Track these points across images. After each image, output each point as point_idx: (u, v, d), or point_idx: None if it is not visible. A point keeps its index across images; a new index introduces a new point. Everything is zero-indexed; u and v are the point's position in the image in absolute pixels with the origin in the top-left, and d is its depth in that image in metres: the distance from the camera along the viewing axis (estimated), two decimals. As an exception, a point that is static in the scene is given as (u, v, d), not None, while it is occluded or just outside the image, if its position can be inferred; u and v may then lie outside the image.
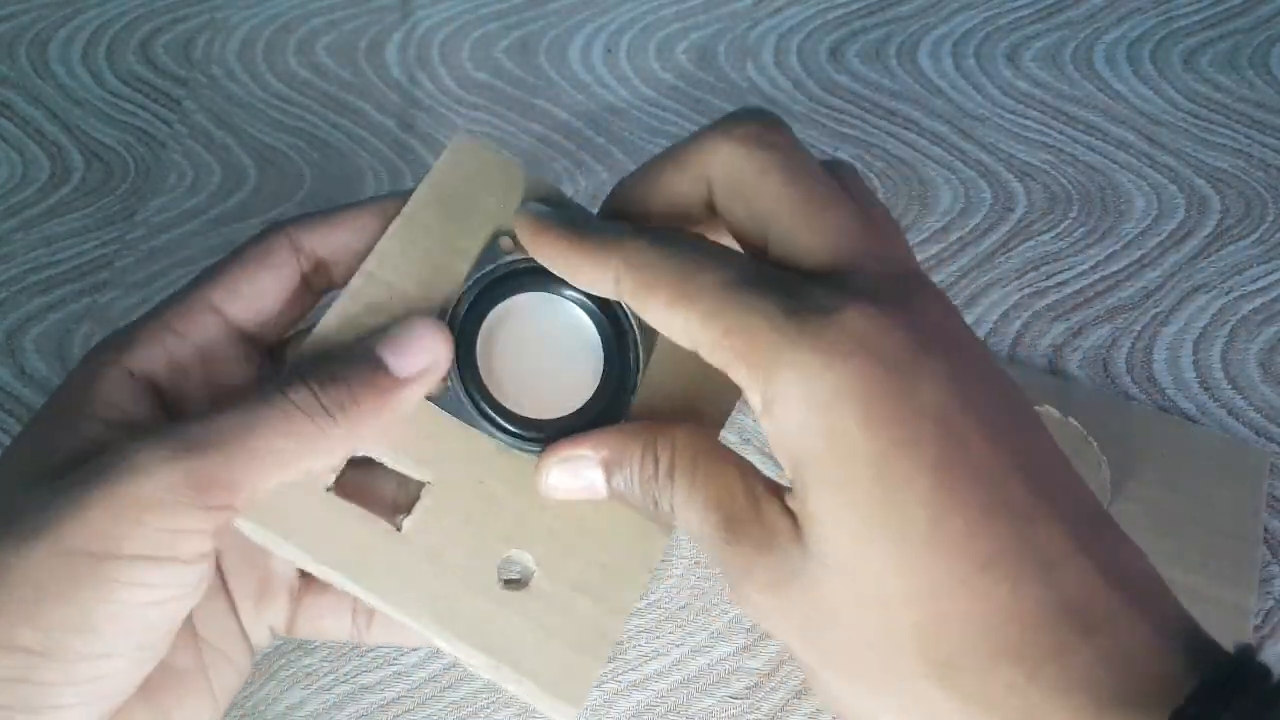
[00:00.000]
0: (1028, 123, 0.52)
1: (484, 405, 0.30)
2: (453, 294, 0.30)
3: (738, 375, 0.24)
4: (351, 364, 0.27)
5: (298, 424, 0.25)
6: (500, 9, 0.57)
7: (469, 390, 0.30)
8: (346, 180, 0.51)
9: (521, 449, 0.29)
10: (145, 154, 0.51)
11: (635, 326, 0.30)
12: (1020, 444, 0.23)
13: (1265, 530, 0.40)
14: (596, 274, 0.26)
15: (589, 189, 0.50)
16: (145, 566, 0.23)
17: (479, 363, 0.30)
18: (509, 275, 0.31)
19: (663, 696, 0.37)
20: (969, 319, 0.46)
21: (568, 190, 0.50)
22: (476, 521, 0.29)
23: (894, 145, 0.52)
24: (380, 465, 0.29)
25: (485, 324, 0.30)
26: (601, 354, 0.30)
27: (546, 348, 0.31)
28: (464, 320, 0.30)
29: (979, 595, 0.22)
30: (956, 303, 0.46)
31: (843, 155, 0.51)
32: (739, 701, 0.37)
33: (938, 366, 0.23)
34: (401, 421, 0.28)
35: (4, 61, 0.55)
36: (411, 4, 0.57)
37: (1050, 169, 0.51)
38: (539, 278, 0.30)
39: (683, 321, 0.24)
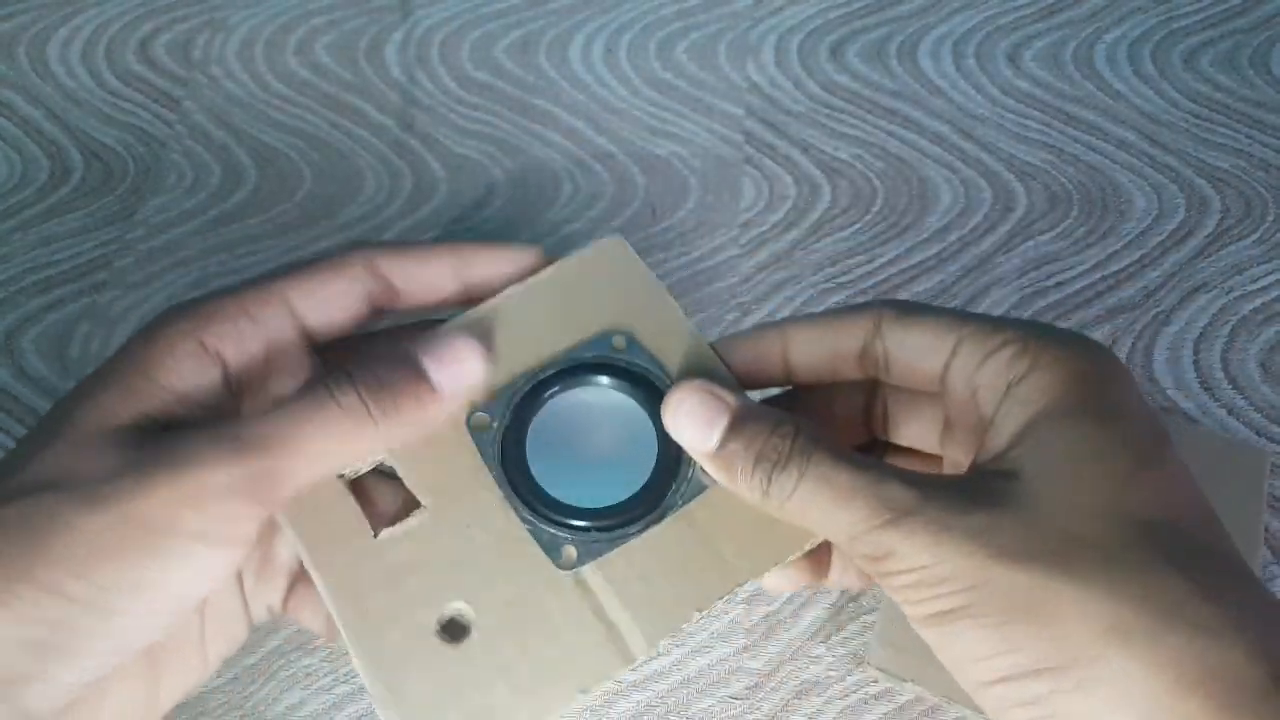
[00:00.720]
0: (1028, 122, 0.52)
1: (512, 466, 0.31)
2: (536, 366, 0.32)
3: (1012, 349, 0.26)
4: (396, 370, 0.28)
5: (342, 426, 0.27)
6: (500, 8, 0.57)
7: (506, 447, 0.31)
8: (346, 180, 0.50)
9: (525, 519, 0.30)
10: (145, 154, 0.51)
11: (692, 465, 0.30)
12: None
13: (1266, 530, 0.40)
14: (856, 322, 0.29)
15: (589, 189, 0.50)
16: (198, 544, 0.26)
17: (531, 432, 0.31)
18: (596, 366, 0.32)
19: (663, 697, 0.37)
20: (969, 319, 0.46)
21: (565, 189, 0.50)
22: (445, 563, 0.29)
23: (894, 145, 0.52)
24: (396, 478, 0.30)
25: (555, 399, 0.32)
26: (646, 475, 0.31)
27: (600, 444, 0.32)
28: (535, 388, 0.31)
29: (1210, 514, 0.24)
30: (956, 303, 0.46)
31: (843, 154, 0.51)
32: (739, 702, 0.37)
33: None
34: (429, 429, 0.30)
35: (3, 61, 0.55)
36: (411, 3, 0.57)
37: (1051, 169, 0.51)
38: (622, 377, 0.31)
39: (955, 321, 0.28)
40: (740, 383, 0.32)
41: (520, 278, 0.33)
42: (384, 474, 0.30)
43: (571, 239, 0.48)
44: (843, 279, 0.47)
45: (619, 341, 0.32)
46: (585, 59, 0.55)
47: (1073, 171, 0.51)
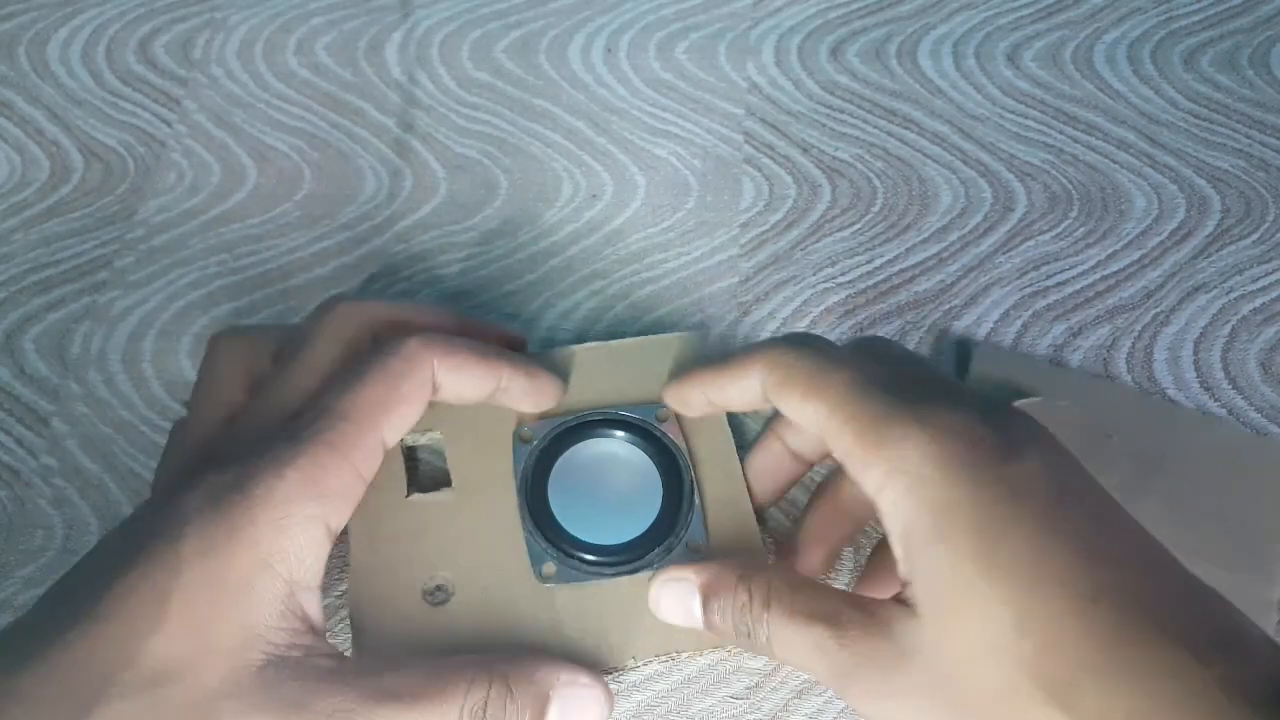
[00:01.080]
0: (1028, 122, 0.52)
1: (532, 481, 0.35)
2: (588, 408, 0.37)
3: (856, 455, 0.28)
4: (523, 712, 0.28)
5: None
6: (500, 8, 0.57)
7: (535, 464, 0.35)
8: (346, 180, 0.51)
9: (527, 528, 0.34)
10: (145, 154, 0.51)
11: (680, 537, 0.35)
12: (1110, 516, 0.26)
13: None
14: (743, 380, 0.32)
15: (588, 189, 0.50)
16: None
17: (561, 461, 0.36)
18: (635, 427, 0.36)
19: (663, 697, 0.37)
20: (969, 319, 0.46)
21: (565, 189, 0.50)
22: (451, 539, 0.34)
23: (894, 145, 0.52)
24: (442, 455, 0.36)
25: (591, 441, 0.36)
26: (639, 532, 0.35)
27: (613, 492, 0.36)
28: (579, 425, 0.36)
29: (1090, 621, 0.23)
30: (956, 303, 0.46)
31: (843, 154, 0.51)
32: (739, 701, 0.37)
33: (1033, 450, 0.27)
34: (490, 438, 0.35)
35: (3, 61, 0.55)
36: (411, 3, 0.57)
37: (1050, 169, 0.51)
38: (653, 444, 0.36)
39: (813, 411, 0.29)
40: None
41: (541, 407, 0.36)
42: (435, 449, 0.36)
43: (572, 238, 0.48)
44: (843, 279, 0.47)
45: (663, 414, 0.37)
46: (585, 59, 0.55)
47: (1073, 171, 0.51)
